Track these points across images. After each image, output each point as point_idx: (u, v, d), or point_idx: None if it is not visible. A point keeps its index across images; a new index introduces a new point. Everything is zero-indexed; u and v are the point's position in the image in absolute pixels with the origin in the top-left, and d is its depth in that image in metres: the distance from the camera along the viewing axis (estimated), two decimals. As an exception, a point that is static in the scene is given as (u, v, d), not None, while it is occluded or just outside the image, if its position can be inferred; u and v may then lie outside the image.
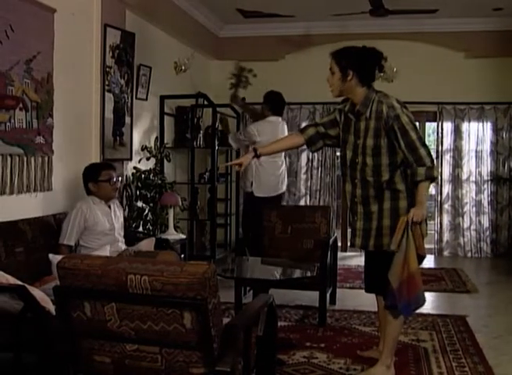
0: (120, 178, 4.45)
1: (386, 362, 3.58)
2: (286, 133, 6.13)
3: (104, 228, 4.28)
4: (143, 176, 5.84)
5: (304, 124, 8.36)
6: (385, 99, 3.50)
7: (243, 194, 6.82)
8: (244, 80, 6.46)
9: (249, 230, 6.22)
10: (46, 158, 4.36)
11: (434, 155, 7.96)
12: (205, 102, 7.18)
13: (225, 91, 7.34)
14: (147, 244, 4.63)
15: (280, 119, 6.22)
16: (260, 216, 5.65)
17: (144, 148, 6.09)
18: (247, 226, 6.48)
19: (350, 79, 3.51)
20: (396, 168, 3.43)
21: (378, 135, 3.44)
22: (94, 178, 4.32)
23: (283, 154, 6.35)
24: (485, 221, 8.12)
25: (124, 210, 5.63)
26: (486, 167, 8.10)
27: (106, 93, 5.24)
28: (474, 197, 8.14)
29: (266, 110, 6.17)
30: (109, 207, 4.40)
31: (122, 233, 4.52)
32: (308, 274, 4.08)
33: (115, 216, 4.41)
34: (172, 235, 5.63)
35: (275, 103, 6.19)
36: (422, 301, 3.43)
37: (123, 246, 4.40)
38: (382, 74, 7.94)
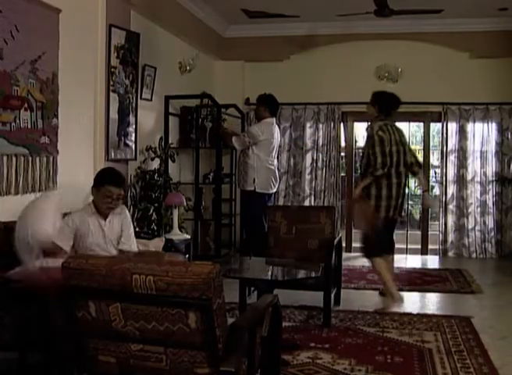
0: (122, 197, 4.05)
1: (389, 293, 5.26)
2: (278, 133, 6.86)
3: (94, 240, 3.96)
4: (147, 176, 5.84)
5: (308, 124, 8.39)
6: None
7: (242, 196, 6.85)
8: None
9: (255, 229, 6.29)
10: (51, 158, 4.36)
11: (439, 155, 8.08)
12: (210, 102, 7.19)
13: (230, 90, 7.43)
14: (157, 244, 4.62)
15: (274, 120, 6.78)
16: (263, 212, 5.96)
17: (148, 149, 6.09)
18: (252, 225, 6.53)
19: None
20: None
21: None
22: (97, 186, 3.98)
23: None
24: (490, 222, 8.09)
25: (129, 210, 5.61)
26: (491, 168, 8.08)
27: (111, 93, 5.25)
28: (478, 197, 8.11)
29: (265, 112, 6.61)
30: (105, 218, 4.03)
31: (123, 242, 4.15)
32: (313, 275, 4.08)
33: (110, 228, 4.06)
34: (177, 235, 5.64)
35: (273, 106, 6.67)
36: None
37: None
38: (386, 75, 8.02)
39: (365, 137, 5.52)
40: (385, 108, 5.40)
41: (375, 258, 5.30)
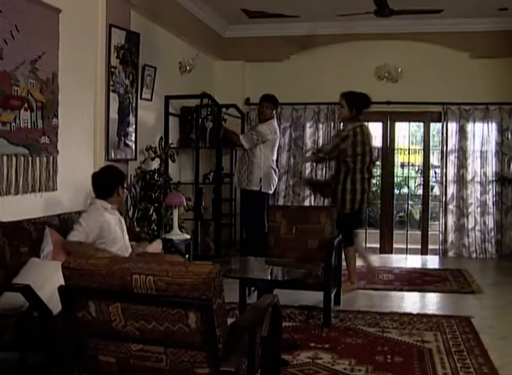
0: None
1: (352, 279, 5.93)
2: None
3: (116, 236, 4.15)
4: (147, 176, 5.84)
5: (308, 124, 8.39)
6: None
7: (245, 196, 6.81)
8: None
9: (256, 229, 6.28)
10: (51, 158, 4.36)
11: (439, 155, 8.07)
12: (210, 102, 7.18)
13: (230, 90, 7.44)
14: (155, 247, 4.63)
15: (276, 119, 6.89)
16: (265, 212, 6.02)
17: (148, 149, 6.09)
18: (253, 225, 6.50)
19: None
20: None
21: None
22: (122, 184, 4.27)
23: None
24: (490, 222, 8.09)
25: (129, 210, 5.65)
26: (491, 168, 8.08)
27: (111, 93, 5.25)
28: (478, 197, 8.11)
29: (272, 112, 6.66)
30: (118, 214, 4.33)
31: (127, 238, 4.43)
32: (313, 275, 4.08)
33: (122, 223, 4.33)
34: (177, 235, 5.64)
35: (277, 106, 6.79)
36: None
37: (130, 250, 4.36)
38: (386, 75, 8.03)
39: (340, 136, 5.99)
40: (359, 108, 5.86)
41: (350, 247, 5.94)
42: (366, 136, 5.82)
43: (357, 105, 5.80)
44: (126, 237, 4.33)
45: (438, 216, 8.35)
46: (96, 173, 4.35)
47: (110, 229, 4.11)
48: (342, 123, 6.45)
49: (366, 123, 6.10)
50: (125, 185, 4.29)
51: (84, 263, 2.41)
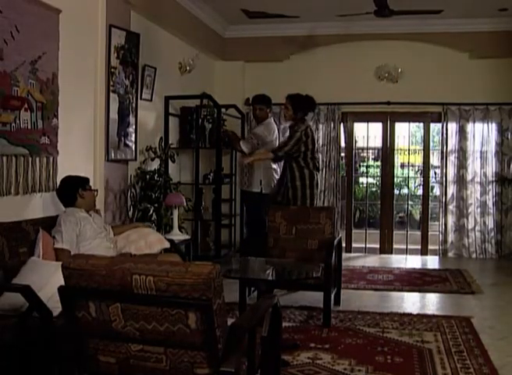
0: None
1: None
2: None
3: (92, 233, 4.17)
4: (147, 176, 5.84)
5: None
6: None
7: (246, 198, 6.80)
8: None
9: (257, 230, 6.26)
10: (51, 159, 4.36)
11: (439, 155, 8.06)
12: (210, 103, 7.18)
13: (230, 91, 7.42)
14: (140, 246, 4.63)
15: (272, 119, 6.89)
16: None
17: (148, 149, 6.09)
18: (255, 226, 6.49)
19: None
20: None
21: None
22: (83, 186, 4.29)
23: None
24: (490, 222, 8.09)
25: (129, 210, 5.64)
26: (491, 168, 8.07)
27: (111, 93, 5.25)
28: (478, 198, 8.11)
29: (268, 112, 6.67)
30: (90, 215, 4.32)
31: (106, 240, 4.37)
32: (313, 275, 4.08)
33: (97, 221, 4.35)
34: (177, 235, 5.64)
35: (270, 104, 6.75)
36: None
37: (113, 252, 4.31)
38: (386, 75, 8.02)
39: (295, 137, 6.07)
40: (305, 110, 6.21)
41: None
42: (313, 137, 6.16)
43: (302, 108, 6.12)
44: (104, 233, 4.33)
45: (438, 217, 8.35)
46: (56, 189, 4.37)
47: (87, 229, 4.15)
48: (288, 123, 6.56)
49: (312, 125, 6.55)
50: (87, 186, 4.32)
51: (84, 263, 2.42)
